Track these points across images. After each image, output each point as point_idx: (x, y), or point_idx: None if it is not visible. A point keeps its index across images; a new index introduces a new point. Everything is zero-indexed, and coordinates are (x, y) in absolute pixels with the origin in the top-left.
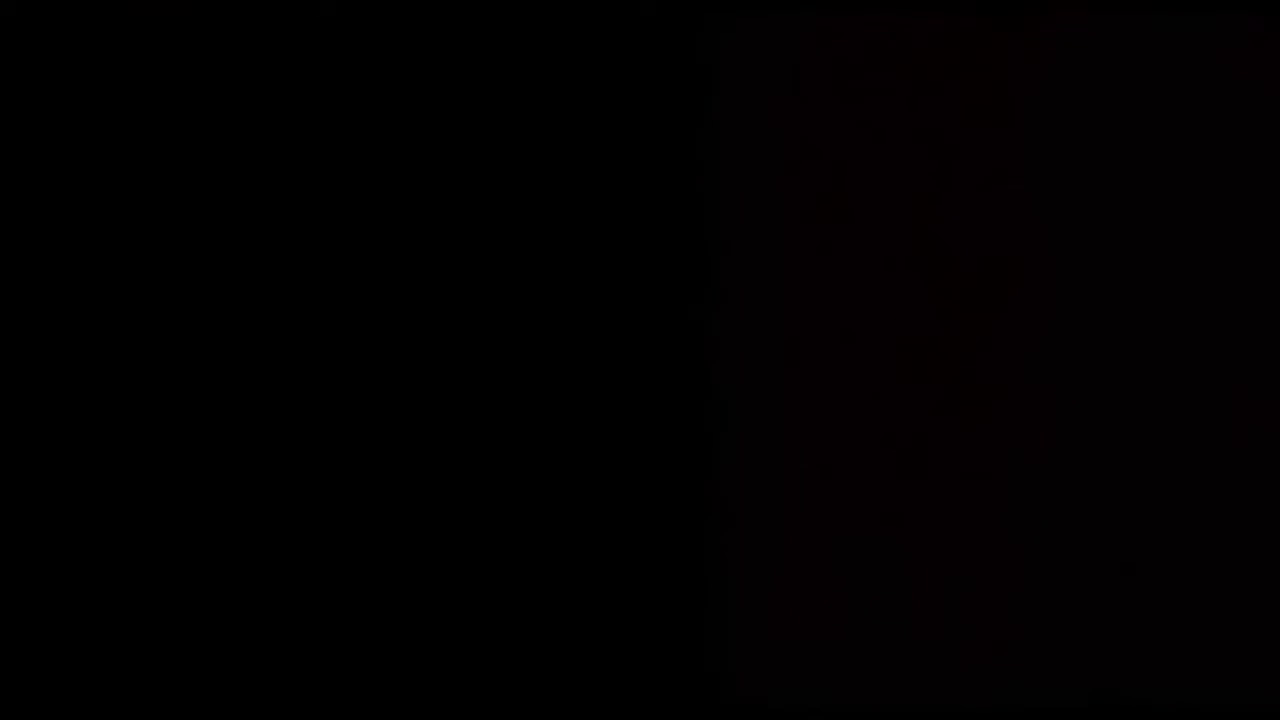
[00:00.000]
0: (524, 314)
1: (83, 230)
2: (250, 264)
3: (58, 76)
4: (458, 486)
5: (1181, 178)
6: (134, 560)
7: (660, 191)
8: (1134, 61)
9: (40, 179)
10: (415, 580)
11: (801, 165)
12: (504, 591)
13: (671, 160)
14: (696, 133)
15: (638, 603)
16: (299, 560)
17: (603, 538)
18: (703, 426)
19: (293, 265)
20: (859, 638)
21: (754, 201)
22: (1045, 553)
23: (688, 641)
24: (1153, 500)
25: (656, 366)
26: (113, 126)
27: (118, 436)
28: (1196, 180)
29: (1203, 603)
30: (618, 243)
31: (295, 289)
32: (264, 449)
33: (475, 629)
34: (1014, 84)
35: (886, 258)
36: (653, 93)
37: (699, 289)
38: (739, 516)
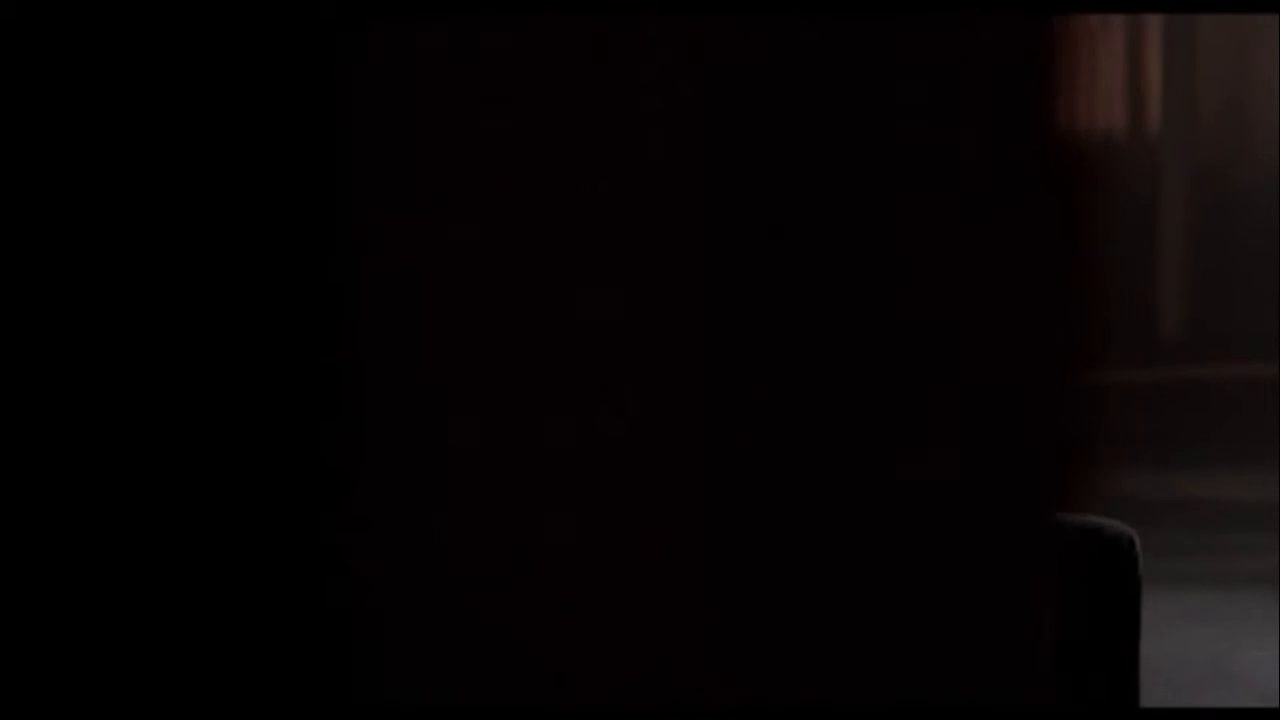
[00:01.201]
0: (153, 314)
1: None
2: None
3: None
4: (78, 489)
5: (819, 179)
6: None
7: (295, 198)
8: (773, 61)
9: None
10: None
11: (437, 171)
12: (110, 591)
13: (306, 171)
14: (331, 141)
15: (257, 603)
16: None
17: (220, 533)
18: (327, 429)
19: None
20: (482, 639)
21: (390, 206)
22: (686, 555)
23: (315, 642)
24: (803, 504)
25: (291, 368)
26: None
27: None
28: (835, 182)
29: (854, 606)
30: (247, 254)
31: None
32: None
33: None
34: (649, 85)
35: (523, 260)
36: (286, 100)
37: (332, 296)
38: (367, 516)
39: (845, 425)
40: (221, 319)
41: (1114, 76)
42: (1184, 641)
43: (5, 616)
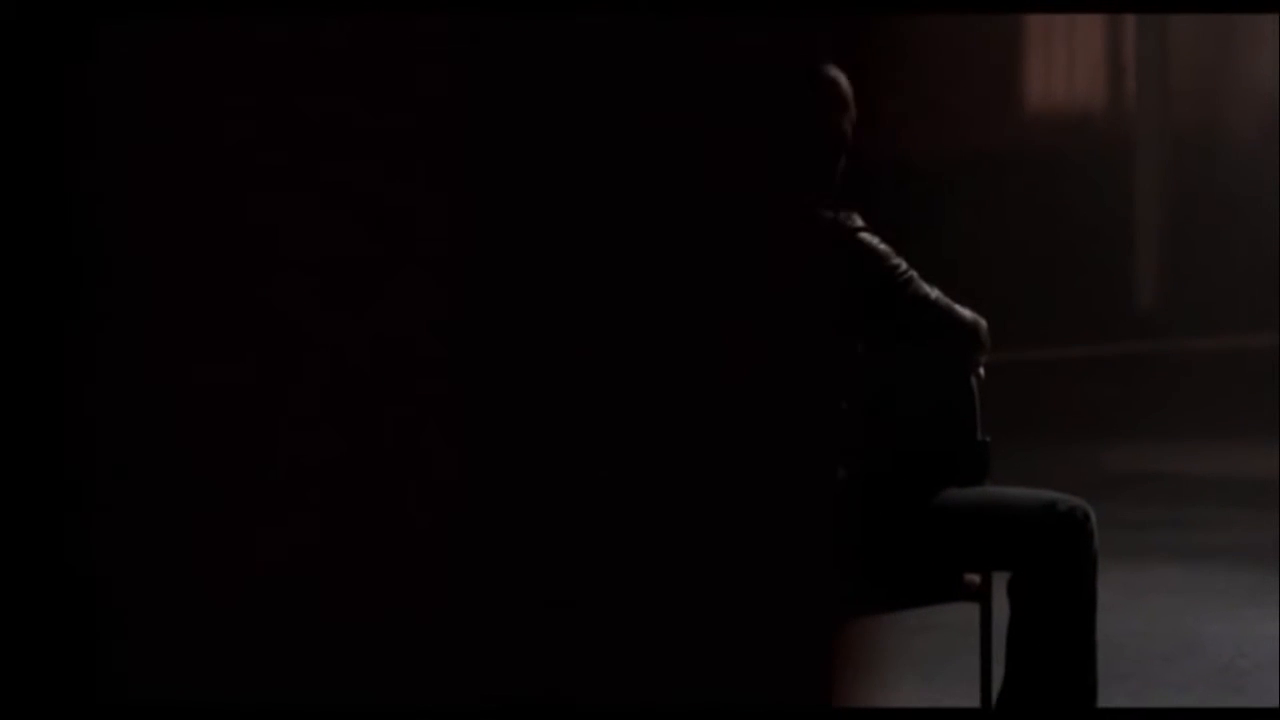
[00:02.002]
0: None
1: None
2: None
3: None
4: None
5: (595, 180)
6: None
7: (22, 198)
8: (540, 62)
9: None
10: None
11: (171, 169)
12: None
13: (34, 169)
14: (59, 140)
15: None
16: None
17: None
18: (63, 432)
19: None
20: (223, 639)
21: (119, 205)
22: (440, 554)
23: (56, 642)
24: (572, 498)
25: (21, 370)
26: None
27: None
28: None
29: (627, 608)
30: None
31: None
32: None
33: None
34: (404, 84)
35: (259, 261)
36: (14, 100)
37: (61, 298)
38: (108, 515)
39: (618, 418)
40: None
41: (1090, 50)
42: (1151, 615)
43: None
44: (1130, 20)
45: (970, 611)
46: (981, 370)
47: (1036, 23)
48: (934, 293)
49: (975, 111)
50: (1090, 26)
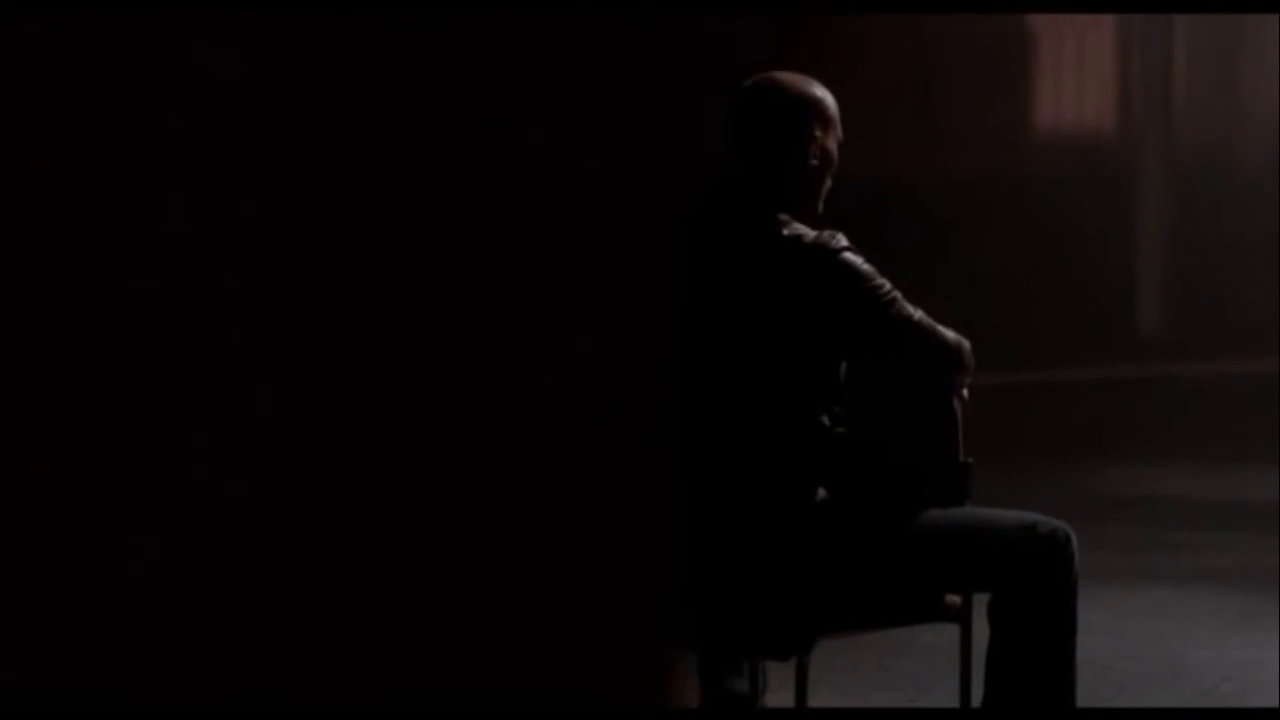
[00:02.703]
0: None
1: None
2: None
3: None
4: None
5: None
6: None
7: None
8: (362, 62)
9: None
10: None
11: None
12: None
13: None
14: None
15: None
16: None
17: None
18: None
19: None
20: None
21: None
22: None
23: None
24: (406, 507)
25: None
26: None
27: None
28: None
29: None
30: None
31: None
32: None
33: None
34: (209, 86)
35: (92, 261)
36: None
37: None
38: None
39: (444, 429)
40: None
41: (1096, 73)
42: (1137, 638)
43: None
44: (1135, 42)
45: (951, 632)
46: (965, 392)
47: (1044, 45)
48: (917, 313)
49: (980, 135)
50: (1097, 49)
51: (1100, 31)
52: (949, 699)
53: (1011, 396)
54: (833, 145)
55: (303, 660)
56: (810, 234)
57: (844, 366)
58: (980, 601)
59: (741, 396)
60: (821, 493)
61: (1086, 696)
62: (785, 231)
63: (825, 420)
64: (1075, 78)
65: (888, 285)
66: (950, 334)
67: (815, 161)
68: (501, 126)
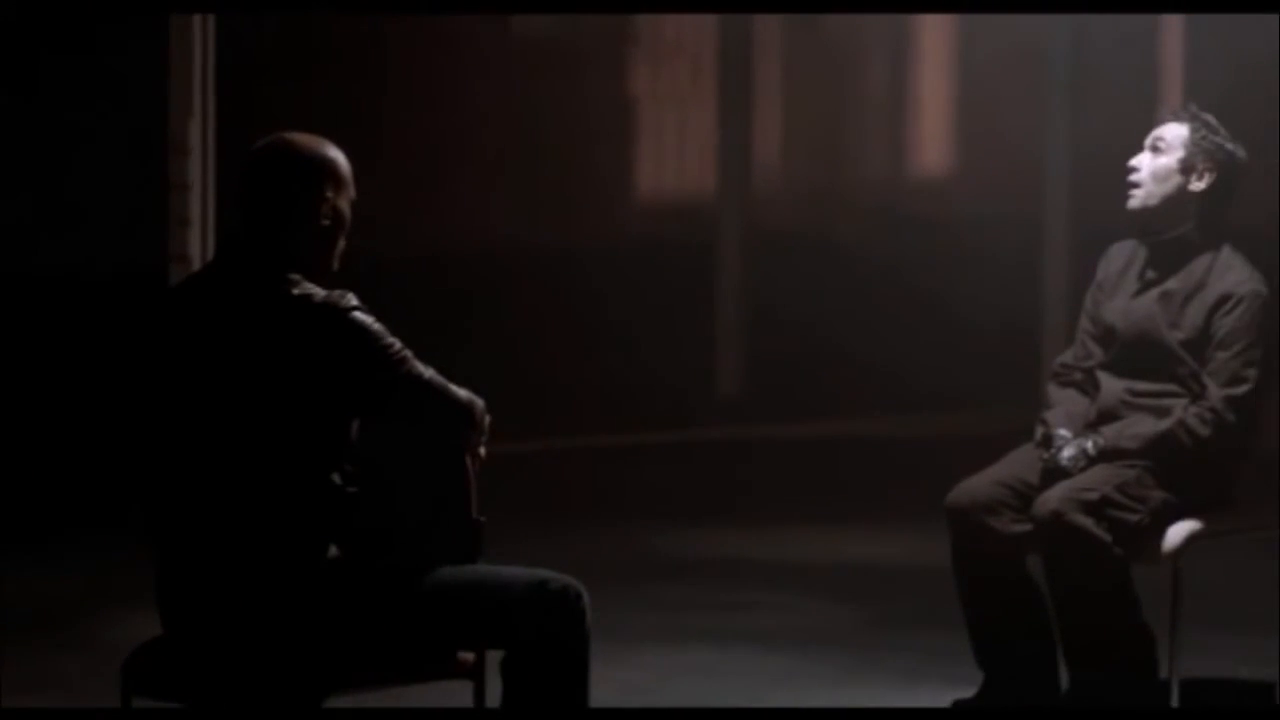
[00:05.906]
0: None
1: None
2: None
3: None
4: None
5: None
6: None
7: None
8: None
9: None
10: None
11: None
12: None
13: None
14: None
15: None
16: None
17: None
18: None
19: None
20: None
21: None
22: None
23: None
24: None
25: None
26: None
27: None
28: None
29: None
30: None
31: None
32: None
33: None
34: None
35: None
36: None
37: None
38: None
39: None
40: None
41: (695, 144)
42: (678, 697)
43: None
44: (710, 112)
45: (466, 689)
46: (482, 450)
47: (644, 114)
48: (428, 372)
49: (581, 203)
50: (698, 119)
51: (701, 101)
52: None
53: (580, 460)
54: (345, 205)
55: None
56: (320, 293)
57: (355, 425)
58: (494, 658)
59: (253, 456)
60: (334, 550)
61: None
62: (295, 291)
63: (336, 478)
64: (675, 147)
65: (398, 344)
66: (462, 392)
67: (327, 221)
68: None
